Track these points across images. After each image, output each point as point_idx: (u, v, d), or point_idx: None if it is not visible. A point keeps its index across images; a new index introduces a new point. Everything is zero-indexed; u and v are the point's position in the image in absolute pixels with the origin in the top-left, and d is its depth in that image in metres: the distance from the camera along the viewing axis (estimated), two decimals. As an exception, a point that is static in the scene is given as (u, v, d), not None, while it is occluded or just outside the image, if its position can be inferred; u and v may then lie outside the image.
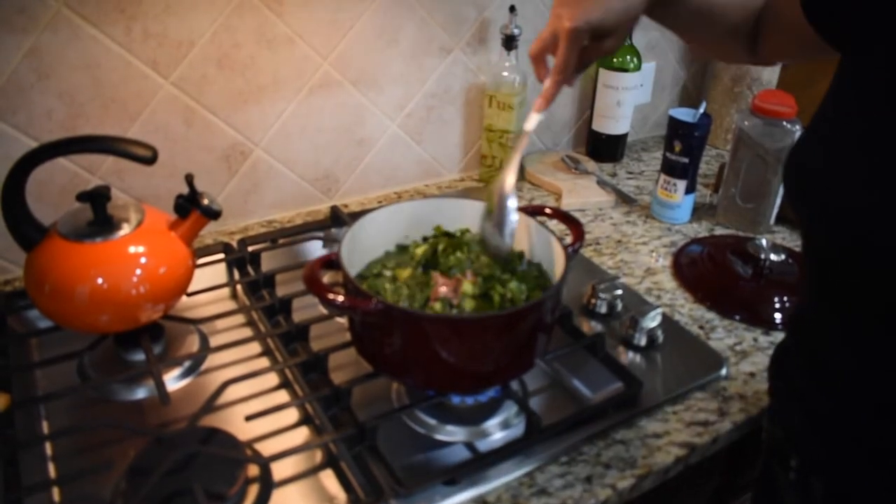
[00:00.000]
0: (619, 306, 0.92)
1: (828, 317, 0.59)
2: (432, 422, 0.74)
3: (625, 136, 1.37)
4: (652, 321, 0.85)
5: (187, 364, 0.80)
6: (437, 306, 0.70)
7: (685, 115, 1.09)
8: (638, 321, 0.85)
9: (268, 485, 0.66)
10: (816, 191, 0.54)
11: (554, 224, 0.84)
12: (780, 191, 1.11)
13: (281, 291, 0.90)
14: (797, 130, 1.05)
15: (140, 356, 0.79)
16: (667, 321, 0.89)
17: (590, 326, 0.90)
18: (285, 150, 1.08)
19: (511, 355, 0.68)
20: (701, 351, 0.86)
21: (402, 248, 0.80)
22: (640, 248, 1.09)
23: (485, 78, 1.21)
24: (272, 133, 1.05)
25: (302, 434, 0.72)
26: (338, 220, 1.06)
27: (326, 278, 0.89)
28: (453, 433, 0.73)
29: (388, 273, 0.75)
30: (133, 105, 0.93)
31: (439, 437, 0.72)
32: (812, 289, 0.61)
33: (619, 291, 0.92)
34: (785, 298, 0.94)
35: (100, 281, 0.71)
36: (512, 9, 1.10)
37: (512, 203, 0.70)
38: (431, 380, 0.69)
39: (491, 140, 1.21)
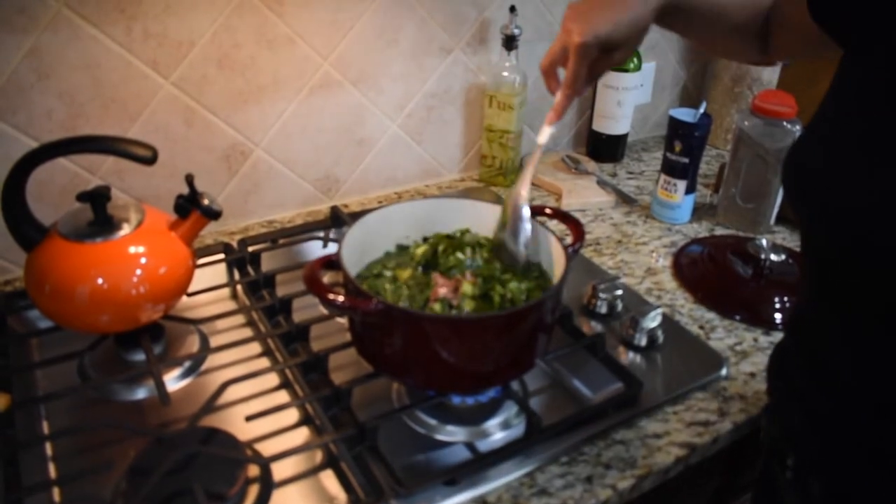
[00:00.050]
0: (620, 306, 0.92)
1: (827, 317, 0.59)
2: (433, 422, 0.74)
3: (625, 136, 1.37)
4: (652, 321, 0.85)
5: (187, 364, 0.80)
6: (437, 307, 0.70)
7: (685, 115, 1.09)
8: (638, 321, 0.85)
9: (268, 485, 0.66)
10: (816, 191, 0.54)
11: (554, 224, 0.84)
12: (781, 191, 1.11)
13: (281, 291, 0.90)
14: (797, 130, 1.05)
15: (140, 356, 0.79)
16: (667, 321, 0.89)
17: (590, 326, 0.90)
18: (285, 151, 1.08)
19: (511, 355, 0.68)
20: (701, 351, 0.86)
21: (403, 249, 0.80)
22: (640, 249, 1.09)
23: (485, 78, 1.21)
24: (272, 133, 1.05)
25: (302, 434, 0.72)
26: (338, 220, 1.06)
27: (326, 278, 0.88)
28: (453, 433, 0.73)
29: (388, 273, 0.75)
30: (133, 105, 0.93)
31: (439, 437, 0.72)
32: (812, 289, 0.61)
33: (620, 292, 0.92)
34: (785, 298, 0.94)
35: (100, 281, 0.71)
36: (512, 9, 1.10)
37: (526, 213, 0.73)
38: (432, 380, 0.69)
39: (491, 140, 1.21)
